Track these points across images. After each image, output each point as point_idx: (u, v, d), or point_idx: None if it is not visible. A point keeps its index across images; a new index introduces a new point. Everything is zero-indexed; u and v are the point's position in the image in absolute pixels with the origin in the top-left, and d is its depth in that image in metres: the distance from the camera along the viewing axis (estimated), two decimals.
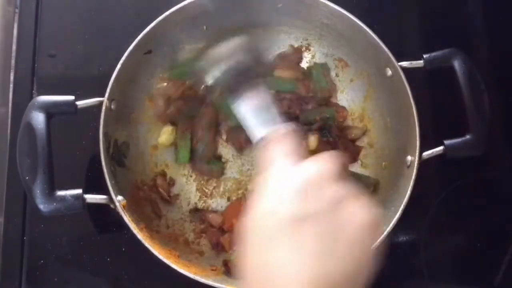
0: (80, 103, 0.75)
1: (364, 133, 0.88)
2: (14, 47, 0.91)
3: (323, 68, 0.89)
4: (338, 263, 0.44)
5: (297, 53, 0.90)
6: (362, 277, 0.46)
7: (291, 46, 0.90)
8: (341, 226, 0.45)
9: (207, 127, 0.86)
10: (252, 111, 0.59)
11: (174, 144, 0.86)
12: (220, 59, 0.63)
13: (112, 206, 0.72)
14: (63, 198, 0.70)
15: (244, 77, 0.61)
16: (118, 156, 0.80)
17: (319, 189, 0.47)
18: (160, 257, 0.70)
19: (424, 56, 0.79)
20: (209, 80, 0.63)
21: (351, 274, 0.45)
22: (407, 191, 0.74)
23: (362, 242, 0.46)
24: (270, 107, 0.59)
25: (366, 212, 0.47)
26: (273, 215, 0.46)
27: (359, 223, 0.46)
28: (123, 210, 0.72)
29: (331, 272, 0.44)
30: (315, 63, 0.90)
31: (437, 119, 0.89)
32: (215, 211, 0.85)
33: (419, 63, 0.79)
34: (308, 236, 0.44)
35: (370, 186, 0.84)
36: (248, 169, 0.87)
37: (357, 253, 0.45)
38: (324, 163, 0.49)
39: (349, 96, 0.90)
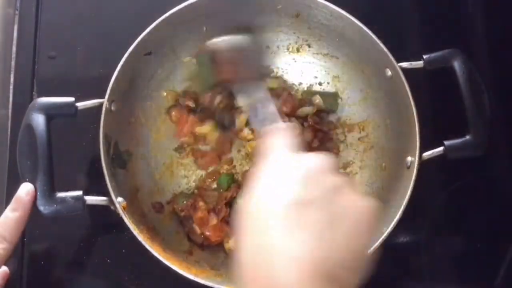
0: (80, 104, 0.75)
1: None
2: (14, 48, 0.91)
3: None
4: (336, 251, 0.44)
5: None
6: (358, 270, 0.46)
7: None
8: (341, 215, 0.45)
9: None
10: (255, 108, 0.64)
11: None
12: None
13: (112, 207, 0.72)
14: (63, 200, 0.70)
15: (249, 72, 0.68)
16: (119, 157, 0.80)
17: (320, 177, 0.47)
18: (161, 258, 0.70)
19: (424, 56, 0.79)
20: None
21: (348, 264, 0.44)
22: (407, 192, 0.74)
23: (360, 234, 0.46)
24: (270, 105, 0.64)
25: (364, 204, 0.47)
26: (274, 198, 0.46)
27: (358, 214, 0.46)
28: (123, 212, 0.72)
29: (328, 258, 0.43)
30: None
31: (437, 119, 0.89)
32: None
33: (419, 63, 0.79)
34: (309, 221, 0.44)
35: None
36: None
37: (355, 244, 0.45)
38: (323, 157, 0.50)
39: (348, 97, 0.90)
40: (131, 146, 0.83)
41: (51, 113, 0.73)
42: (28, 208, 0.69)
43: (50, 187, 0.70)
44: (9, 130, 0.86)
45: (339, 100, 0.90)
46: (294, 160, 0.50)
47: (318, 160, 0.50)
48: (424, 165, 0.75)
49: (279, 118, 0.62)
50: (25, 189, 0.70)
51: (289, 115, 0.88)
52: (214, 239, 0.82)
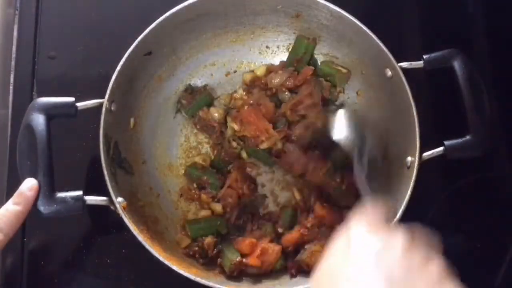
0: (80, 104, 0.75)
1: None
2: (14, 48, 0.91)
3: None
4: None
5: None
6: None
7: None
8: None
9: None
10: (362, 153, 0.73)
11: None
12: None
13: (112, 207, 0.72)
14: (63, 200, 0.70)
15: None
16: (119, 158, 0.80)
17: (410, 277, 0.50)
18: (161, 258, 0.70)
19: (424, 56, 0.79)
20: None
21: None
22: (407, 192, 0.74)
23: None
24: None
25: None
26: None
27: None
28: (123, 212, 0.72)
29: None
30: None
31: (437, 119, 0.89)
32: None
33: (419, 63, 0.79)
34: None
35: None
36: None
37: None
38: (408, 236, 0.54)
39: (348, 97, 0.90)
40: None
41: (51, 113, 0.73)
42: (29, 204, 0.69)
43: (50, 187, 0.70)
44: (9, 130, 0.86)
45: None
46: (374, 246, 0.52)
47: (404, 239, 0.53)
48: (424, 165, 0.75)
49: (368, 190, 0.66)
50: (29, 184, 0.69)
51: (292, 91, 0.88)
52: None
